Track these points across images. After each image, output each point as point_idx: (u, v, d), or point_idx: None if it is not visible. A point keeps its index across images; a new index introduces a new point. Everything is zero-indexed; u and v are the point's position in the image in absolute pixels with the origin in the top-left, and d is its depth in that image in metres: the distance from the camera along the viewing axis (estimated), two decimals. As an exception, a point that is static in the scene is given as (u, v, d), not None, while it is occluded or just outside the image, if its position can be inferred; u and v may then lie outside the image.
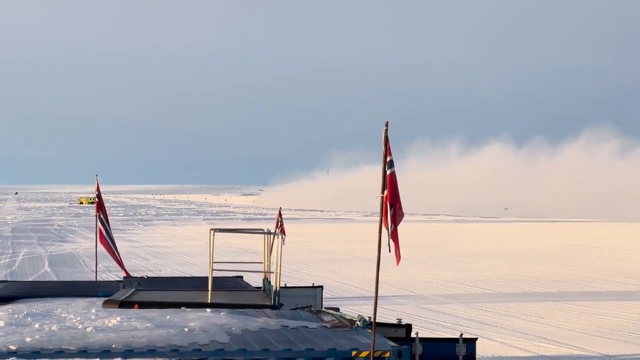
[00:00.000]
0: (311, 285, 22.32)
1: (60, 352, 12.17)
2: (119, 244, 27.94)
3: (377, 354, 12.43)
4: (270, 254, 18.77)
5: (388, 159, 13.07)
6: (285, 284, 20.54)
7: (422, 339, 15.44)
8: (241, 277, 21.45)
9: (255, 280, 21.57)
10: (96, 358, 12.12)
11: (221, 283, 19.31)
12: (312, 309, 17.34)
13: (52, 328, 13.72)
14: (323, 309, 17.27)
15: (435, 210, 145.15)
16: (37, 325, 13.95)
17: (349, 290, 39.74)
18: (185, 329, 13.65)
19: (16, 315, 14.94)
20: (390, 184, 13.08)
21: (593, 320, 31.01)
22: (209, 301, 16.52)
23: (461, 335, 15.83)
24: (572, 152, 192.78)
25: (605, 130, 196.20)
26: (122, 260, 26.57)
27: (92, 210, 46.10)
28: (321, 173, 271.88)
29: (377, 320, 13.37)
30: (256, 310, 15.91)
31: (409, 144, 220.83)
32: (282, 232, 19.07)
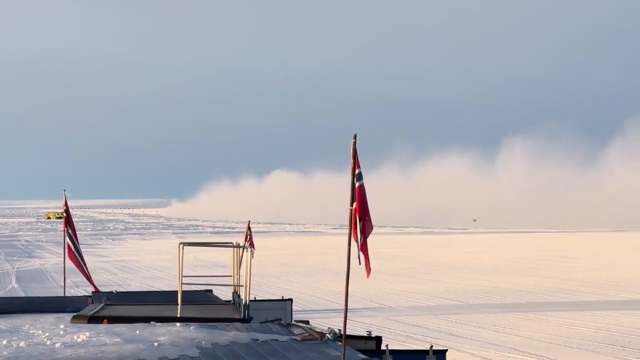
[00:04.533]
0: (281, 298, 22.29)
1: (29, 369, 12.08)
2: (87, 259, 27.76)
3: (347, 366, 12.43)
4: (240, 268, 18.74)
5: (357, 171, 13.10)
6: (255, 297, 20.51)
7: (392, 351, 15.46)
8: (210, 290, 21.38)
9: (225, 294, 21.51)
10: (65, 374, 12.04)
11: (191, 297, 19.24)
12: (282, 322, 17.32)
13: (20, 344, 13.61)
14: (293, 322, 17.25)
15: (401, 223, 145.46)
16: (4, 342, 13.83)
17: (319, 303, 39.75)
18: (155, 344, 13.59)
19: (-17, 332, 14.81)
20: (359, 197, 13.10)
21: (562, 331, 31.20)
22: (179, 315, 16.47)
23: (431, 347, 15.88)
24: (534, 161, 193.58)
25: (565, 138, 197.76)
26: (91, 275, 26.40)
27: (60, 225, 45.84)
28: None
29: (347, 333, 13.37)
30: (226, 324, 15.88)
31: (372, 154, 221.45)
32: (251, 245, 19.04)
